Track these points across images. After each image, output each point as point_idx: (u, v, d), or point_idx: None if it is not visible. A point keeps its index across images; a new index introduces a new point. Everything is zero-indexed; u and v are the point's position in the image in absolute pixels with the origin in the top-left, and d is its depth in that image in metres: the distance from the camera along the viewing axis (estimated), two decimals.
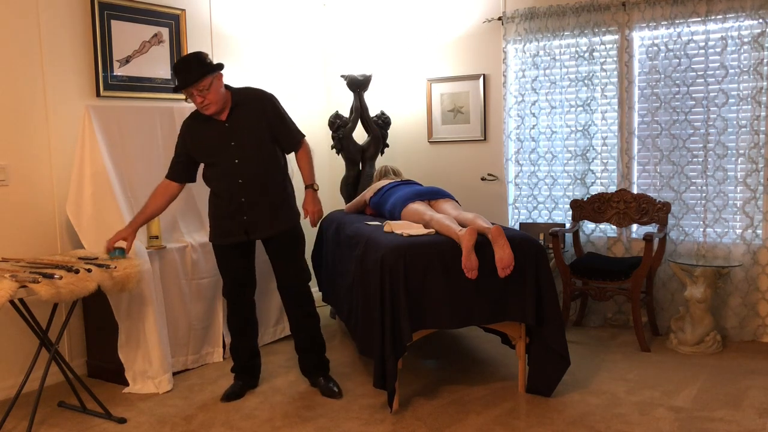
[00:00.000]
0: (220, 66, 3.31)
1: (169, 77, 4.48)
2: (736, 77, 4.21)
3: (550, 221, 4.89)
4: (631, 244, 4.68)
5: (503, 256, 3.24)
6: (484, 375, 3.80)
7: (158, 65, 4.41)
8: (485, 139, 5.16)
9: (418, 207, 3.79)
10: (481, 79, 5.11)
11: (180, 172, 3.51)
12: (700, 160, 4.36)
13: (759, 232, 4.24)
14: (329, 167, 5.59)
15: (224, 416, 3.34)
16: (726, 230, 4.34)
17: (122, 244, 3.41)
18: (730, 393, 3.44)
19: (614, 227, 4.69)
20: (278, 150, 3.50)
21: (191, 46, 4.58)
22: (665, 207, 4.39)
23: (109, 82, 4.13)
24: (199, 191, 4.22)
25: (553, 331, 3.38)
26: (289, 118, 3.54)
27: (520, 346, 3.49)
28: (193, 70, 3.21)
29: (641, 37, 4.50)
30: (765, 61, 4.10)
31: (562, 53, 4.73)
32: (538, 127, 4.87)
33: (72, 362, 3.80)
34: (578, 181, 4.76)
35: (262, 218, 3.43)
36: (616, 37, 4.55)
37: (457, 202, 3.98)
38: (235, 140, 3.36)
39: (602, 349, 4.22)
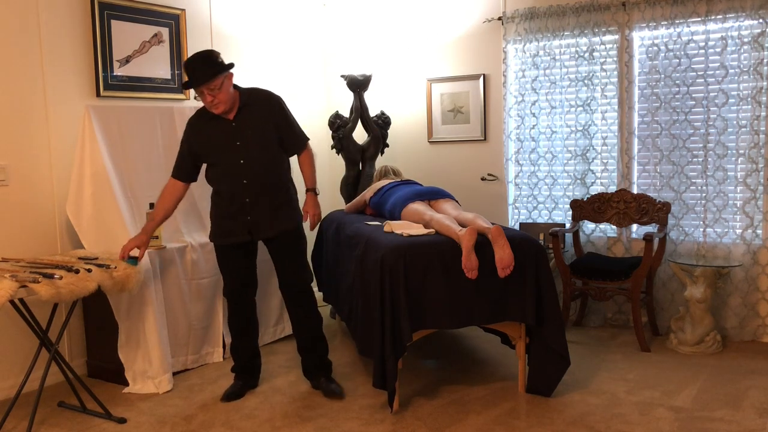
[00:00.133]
0: (231, 65, 3.30)
1: (169, 77, 4.48)
2: (736, 77, 4.21)
3: (550, 221, 4.89)
4: (631, 244, 4.68)
5: (503, 256, 3.24)
6: (484, 375, 3.80)
7: (158, 65, 4.41)
8: (485, 139, 5.16)
9: (418, 207, 3.79)
10: (481, 79, 5.11)
11: (185, 170, 3.51)
12: (700, 160, 4.36)
13: (759, 232, 4.24)
14: (329, 167, 5.59)
15: (224, 416, 3.34)
16: (726, 230, 4.34)
17: (136, 252, 3.41)
18: (730, 393, 3.44)
19: (614, 227, 4.69)
20: (283, 152, 3.50)
21: (191, 46, 4.57)
22: (665, 207, 4.39)
23: (109, 82, 4.13)
24: (199, 191, 4.22)
25: (553, 331, 3.38)
26: (295, 121, 3.54)
27: (520, 346, 3.49)
28: (205, 69, 3.21)
29: (641, 37, 4.50)
30: (765, 61, 4.10)
31: (562, 53, 4.73)
32: (538, 127, 4.87)
33: (72, 362, 3.79)
34: (578, 181, 4.76)
35: (265, 218, 3.43)
36: (616, 37, 4.55)
37: (457, 202, 3.98)
38: (241, 140, 3.36)
39: (602, 349, 4.22)
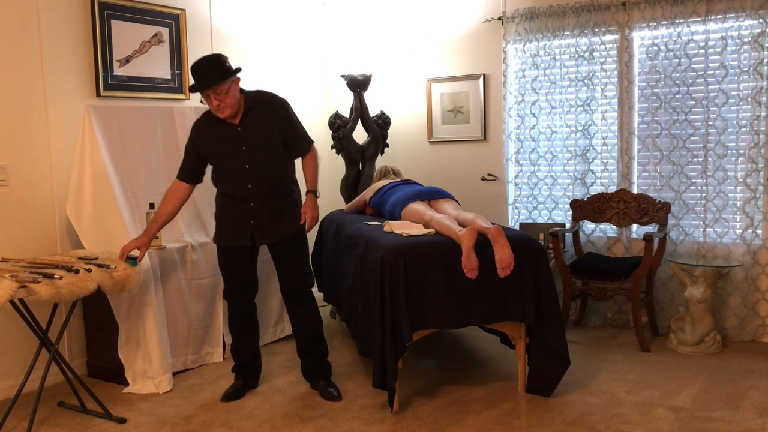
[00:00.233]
0: (238, 70, 3.30)
1: (169, 77, 4.48)
2: (736, 77, 4.21)
3: (550, 221, 4.89)
4: (631, 244, 4.68)
5: (503, 256, 3.24)
6: (484, 375, 3.80)
7: (158, 65, 4.41)
8: (485, 139, 5.16)
9: (418, 207, 3.79)
10: (481, 79, 5.11)
11: (191, 172, 3.51)
12: (700, 160, 4.36)
13: (759, 232, 4.24)
14: (329, 167, 5.59)
15: (224, 416, 3.34)
16: (726, 230, 4.34)
17: (136, 253, 3.41)
18: (730, 393, 3.44)
19: (614, 227, 4.69)
20: (287, 155, 3.50)
21: (191, 46, 4.58)
22: (665, 207, 4.39)
23: (109, 82, 4.13)
24: (199, 192, 4.21)
25: (553, 331, 3.38)
26: (300, 124, 3.53)
27: (520, 346, 3.49)
28: (213, 73, 3.20)
29: (641, 37, 4.50)
30: (765, 61, 4.10)
31: (562, 53, 4.73)
32: (538, 127, 4.87)
33: (72, 362, 3.80)
34: (578, 181, 4.76)
35: (269, 223, 3.43)
36: (616, 37, 4.55)
37: (457, 202, 3.98)
38: (247, 145, 3.36)
39: (602, 349, 4.22)
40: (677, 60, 4.36)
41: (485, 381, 3.70)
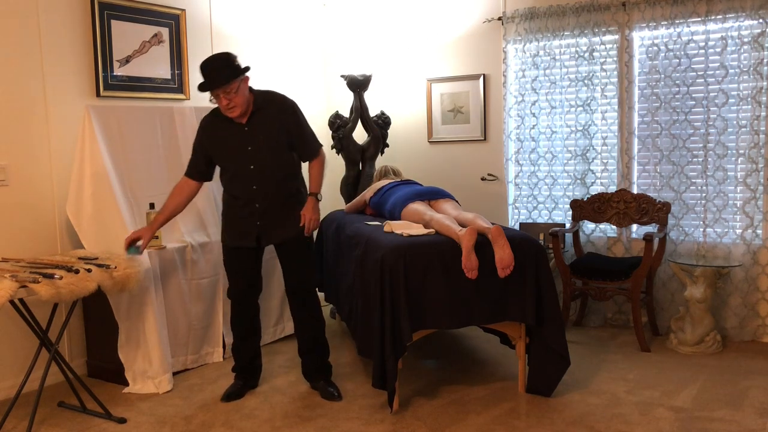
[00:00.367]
0: (247, 69, 3.29)
1: (169, 77, 4.48)
2: (736, 77, 4.21)
3: (550, 221, 4.89)
4: (631, 244, 4.68)
5: (503, 256, 3.24)
6: (484, 375, 3.80)
7: (158, 65, 4.41)
8: (485, 139, 5.16)
9: (418, 207, 3.79)
10: (481, 79, 5.11)
11: (198, 170, 3.51)
12: (700, 160, 4.36)
13: (759, 232, 4.24)
14: (329, 167, 5.57)
15: (224, 416, 3.34)
16: (726, 230, 4.34)
17: (140, 242, 3.41)
18: (730, 393, 3.44)
19: (614, 227, 4.69)
20: (294, 157, 3.49)
21: (191, 46, 4.58)
22: (665, 207, 4.39)
23: (109, 82, 4.13)
24: (199, 192, 4.22)
25: (553, 331, 3.38)
26: (309, 127, 3.52)
27: (520, 346, 3.49)
28: (223, 72, 3.18)
29: (641, 37, 4.50)
30: (765, 61, 4.10)
31: (562, 53, 4.73)
32: (538, 127, 4.87)
33: (72, 362, 3.80)
34: (578, 181, 4.76)
35: (274, 224, 3.42)
36: (616, 37, 4.55)
37: (457, 202, 3.98)
38: (253, 145, 3.35)
39: (602, 349, 4.22)
40: (677, 60, 4.36)
41: (485, 381, 3.70)
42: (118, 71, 4.18)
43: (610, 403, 3.36)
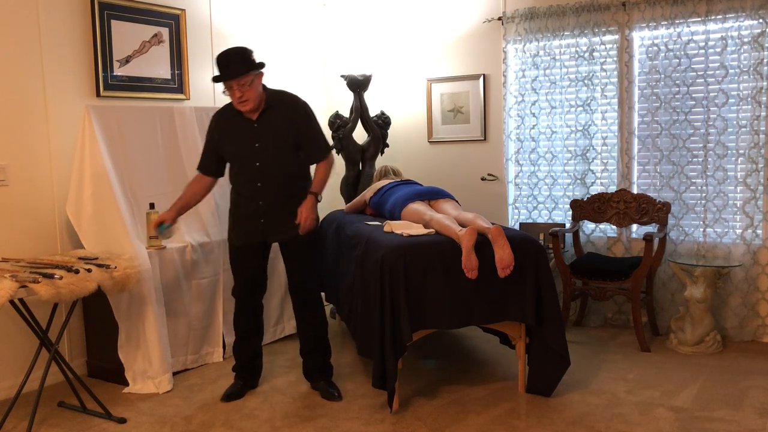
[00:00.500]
0: (263, 65, 3.31)
1: (169, 77, 4.48)
2: (736, 77, 4.21)
3: (550, 221, 4.89)
4: (631, 244, 4.68)
5: (503, 256, 3.24)
6: (484, 375, 3.80)
7: (158, 65, 4.41)
8: (485, 139, 5.16)
9: (418, 207, 3.79)
10: (481, 79, 5.11)
11: (208, 165, 3.52)
12: (700, 160, 4.36)
13: (759, 232, 4.24)
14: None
15: (224, 416, 3.34)
16: (726, 230, 4.34)
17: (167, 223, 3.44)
18: (730, 393, 3.44)
19: (614, 227, 4.69)
20: (302, 158, 3.47)
21: (191, 46, 4.58)
22: (665, 207, 4.39)
23: (109, 82, 4.13)
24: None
25: (553, 331, 3.38)
26: (319, 130, 3.51)
27: (520, 346, 3.49)
28: (238, 64, 3.22)
29: (641, 37, 4.50)
30: (765, 61, 4.10)
31: (562, 53, 4.73)
32: (538, 127, 4.87)
33: (72, 362, 3.80)
34: (578, 181, 4.76)
35: (278, 223, 3.41)
36: (616, 37, 4.55)
37: (457, 202, 3.98)
38: (260, 142, 3.36)
39: (602, 349, 4.22)
40: (677, 60, 4.36)
41: (485, 381, 3.70)
42: (118, 71, 4.18)
43: (610, 403, 3.36)
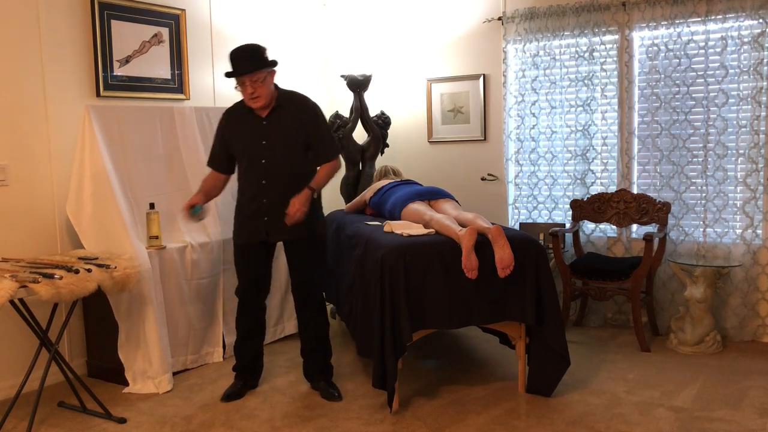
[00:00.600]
0: (276, 63, 3.34)
1: (169, 77, 4.48)
2: (736, 77, 4.21)
3: (550, 221, 4.89)
4: (631, 244, 4.68)
5: (503, 256, 3.24)
6: (484, 375, 3.80)
7: (158, 65, 4.41)
8: (485, 139, 5.16)
9: (418, 207, 3.79)
10: (481, 79, 5.11)
11: (218, 161, 3.53)
12: (700, 160, 4.36)
13: (759, 232, 4.24)
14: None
15: (224, 416, 3.34)
16: (726, 230, 4.34)
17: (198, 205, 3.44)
18: (730, 393, 3.45)
19: (614, 227, 4.69)
20: (309, 158, 3.46)
21: (191, 46, 4.58)
22: (665, 207, 4.39)
23: (109, 82, 4.13)
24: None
25: (553, 331, 3.38)
26: (329, 132, 3.53)
27: (520, 346, 3.49)
28: (252, 61, 3.25)
29: (641, 37, 4.50)
30: (765, 61, 4.10)
31: (562, 53, 4.74)
32: (538, 127, 4.87)
33: (72, 362, 3.79)
34: (578, 181, 4.76)
35: (282, 221, 3.40)
36: (616, 37, 4.55)
37: (457, 202, 3.98)
38: (268, 140, 3.37)
39: (602, 349, 4.22)
40: (677, 60, 4.36)
41: (485, 381, 3.70)
42: (118, 71, 4.18)
43: (610, 403, 3.36)
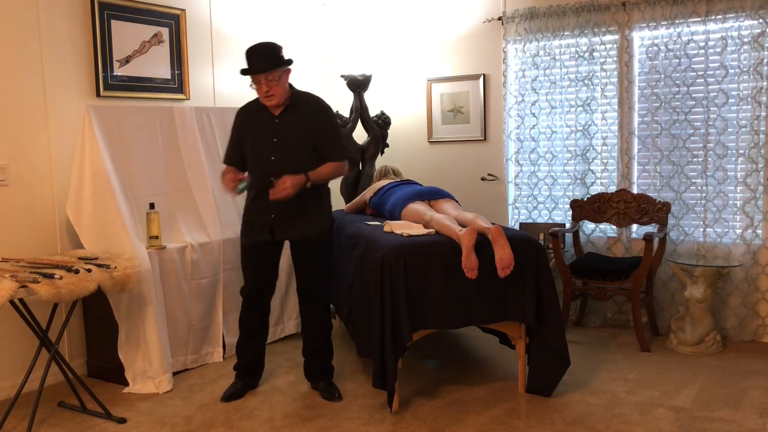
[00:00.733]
0: (291, 61, 3.36)
1: (169, 77, 4.48)
2: (736, 77, 4.21)
3: (550, 221, 4.89)
4: (631, 244, 4.68)
5: (503, 256, 3.24)
6: (484, 375, 3.80)
7: (158, 65, 4.41)
8: (485, 139, 5.16)
9: (418, 207, 3.79)
10: (481, 79, 5.11)
11: (234, 159, 3.53)
12: (700, 160, 4.36)
13: (759, 232, 4.24)
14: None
15: (224, 416, 3.34)
16: (726, 230, 4.34)
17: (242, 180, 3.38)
18: (730, 393, 3.45)
19: (614, 227, 4.69)
20: (318, 159, 3.44)
21: (191, 46, 4.58)
22: (665, 207, 4.39)
23: (109, 82, 4.13)
24: (199, 191, 4.22)
25: (553, 331, 3.38)
26: (339, 135, 3.53)
27: (520, 346, 3.49)
28: (268, 59, 3.27)
29: (641, 37, 4.50)
30: (765, 61, 4.10)
31: (562, 53, 4.74)
32: (538, 127, 4.87)
33: (72, 362, 3.79)
34: (578, 181, 4.76)
35: (288, 220, 3.40)
36: (616, 37, 4.55)
37: (457, 202, 3.98)
38: (279, 138, 3.38)
39: (602, 349, 4.22)
40: (677, 60, 4.36)
41: (485, 381, 3.70)
42: (118, 71, 4.18)
43: (610, 403, 3.36)
